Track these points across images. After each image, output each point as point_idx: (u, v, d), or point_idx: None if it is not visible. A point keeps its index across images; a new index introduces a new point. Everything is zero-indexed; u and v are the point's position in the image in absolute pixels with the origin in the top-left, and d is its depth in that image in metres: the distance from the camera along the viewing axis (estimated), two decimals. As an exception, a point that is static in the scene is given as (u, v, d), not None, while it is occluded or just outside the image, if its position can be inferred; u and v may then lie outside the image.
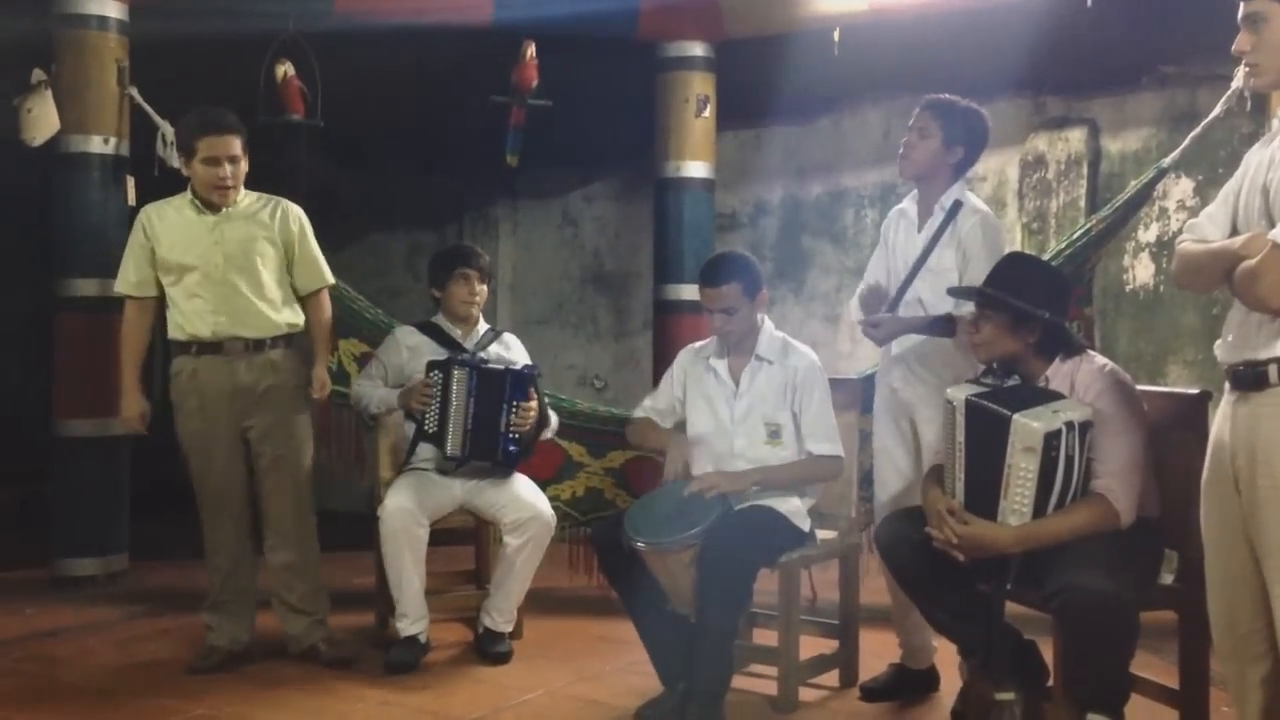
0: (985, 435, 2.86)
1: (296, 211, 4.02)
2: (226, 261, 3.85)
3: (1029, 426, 2.76)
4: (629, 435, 3.95)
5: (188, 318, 3.86)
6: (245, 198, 3.96)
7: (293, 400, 3.97)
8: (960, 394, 2.95)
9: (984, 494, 2.87)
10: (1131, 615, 2.71)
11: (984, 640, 2.98)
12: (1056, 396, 2.88)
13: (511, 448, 4.04)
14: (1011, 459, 2.80)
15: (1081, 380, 2.96)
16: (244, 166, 3.90)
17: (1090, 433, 2.83)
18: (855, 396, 3.92)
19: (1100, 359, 3.05)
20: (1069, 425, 2.77)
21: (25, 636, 4.35)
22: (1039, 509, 2.79)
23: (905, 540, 3.06)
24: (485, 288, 4.29)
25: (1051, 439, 2.76)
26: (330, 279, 4.10)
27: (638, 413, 3.87)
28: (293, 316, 3.98)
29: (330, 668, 3.92)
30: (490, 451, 4.05)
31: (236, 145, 3.85)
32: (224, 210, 3.89)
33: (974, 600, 3.00)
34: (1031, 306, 2.96)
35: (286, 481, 3.96)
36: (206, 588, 4.01)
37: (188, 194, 3.92)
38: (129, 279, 3.93)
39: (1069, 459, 2.78)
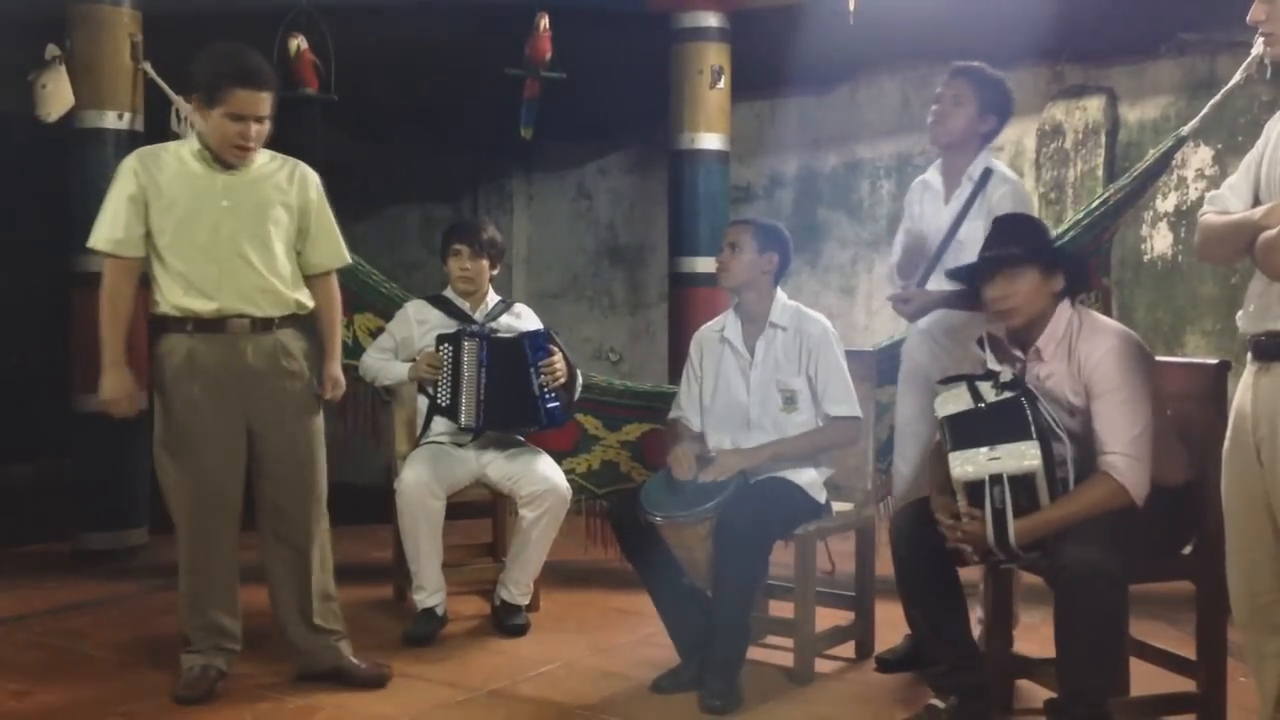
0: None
1: (314, 178, 3.50)
2: (240, 228, 3.32)
3: (959, 470, 2.79)
4: (667, 439, 3.93)
5: (185, 290, 3.30)
6: (259, 155, 3.40)
7: (307, 386, 3.47)
8: (943, 409, 2.91)
9: None
10: (1115, 594, 2.69)
11: (950, 661, 3.02)
12: (1024, 432, 2.76)
13: (551, 405, 4.03)
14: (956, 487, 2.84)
15: (1083, 348, 2.89)
16: (269, 126, 3.35)
17: (1032, 483, 2.73)
18: (870, 368, 3.90)
19: (1101, 319, 2.99)
20: (994, 479, 2.74)
21: (48, 610, 4.38)
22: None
23: (917, 541, 3.02)
24: (484, 263, 4.23)
25: (972, 488, 2.77)
26: (348, 258, 3.64)
27: (671, 415, 3.85)
28: (303, 296, 3.47)
29: (363, 689, 3.48)
30: (529, 418, 4.04)
31: (268, 104, 3.29)
32: (236, 169, 3.35)
33: (957, 622, 3.04)
34: (1052, 253, 3.02)
35: (296, 479, 3.45)
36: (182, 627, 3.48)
37: (192, 142, 3.36)
38: (113, 235, 3.29)
39: (997, 511, 2.74)
